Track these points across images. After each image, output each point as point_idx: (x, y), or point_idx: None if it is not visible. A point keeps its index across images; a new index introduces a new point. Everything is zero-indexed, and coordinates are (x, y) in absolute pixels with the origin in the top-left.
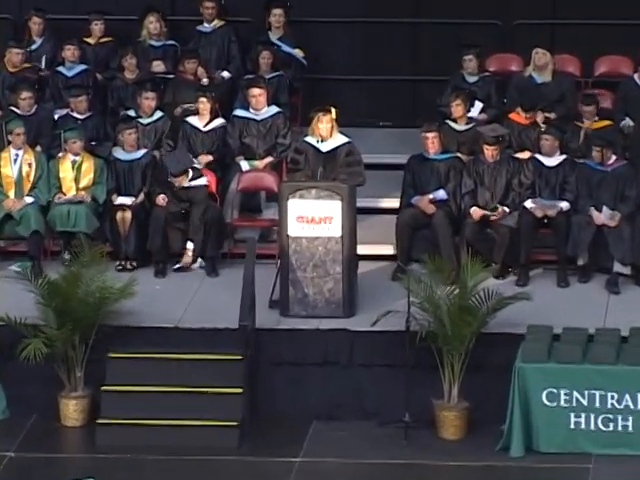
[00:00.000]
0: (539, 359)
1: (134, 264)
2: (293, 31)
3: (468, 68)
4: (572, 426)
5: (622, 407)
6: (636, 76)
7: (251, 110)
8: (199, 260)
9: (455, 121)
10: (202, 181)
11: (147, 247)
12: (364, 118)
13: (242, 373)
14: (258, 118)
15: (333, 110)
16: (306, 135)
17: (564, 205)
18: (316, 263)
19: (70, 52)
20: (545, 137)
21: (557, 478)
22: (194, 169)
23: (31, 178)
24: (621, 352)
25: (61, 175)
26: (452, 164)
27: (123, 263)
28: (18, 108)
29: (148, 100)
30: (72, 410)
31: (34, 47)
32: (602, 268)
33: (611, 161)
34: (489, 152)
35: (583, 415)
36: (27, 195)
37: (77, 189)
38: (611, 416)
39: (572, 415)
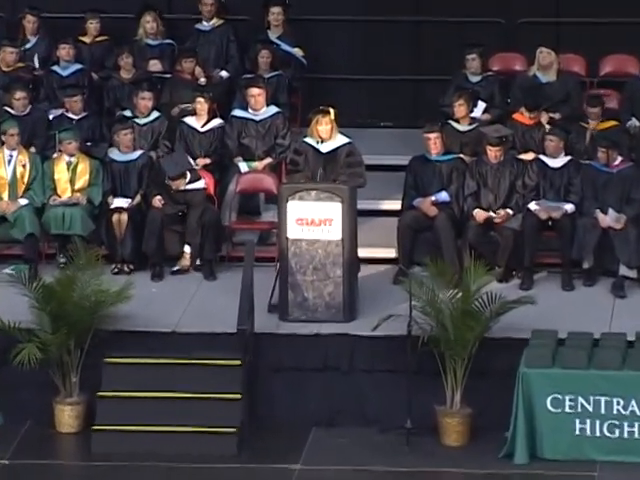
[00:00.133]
0: (543, 364)
1: (131, 267)
2: (292, 30)
3: (471, 67)
4: (577, 432)
5: (628, 413)
6: None
7: (250, 110)
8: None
9: (458, 121)
10: (200, 184)
11: (142, 249)
12: (365, 118)
13: (241, 379)
14: (257, 118)
15: (332, 111)
16: (306, 136)
17: (569, 207)
18: (316, 266)
19: (65, 51)
20: (549, 138)
21: None
22: (192, 172)
23: (25, 179)
24: (627, 357)
25: (56, 176)
26: (455, 165)
27: (119, 266)
28: (12, 108)
29: (144, 100)
30: (67, 416)
31: (28, 46)
32: (608, 271)
33: (617, 162)
34: (492, 153)
35: (588, 421)
36: (21, 197)
37: (72, 191)
38: (617, 422)
39: (577, 421)
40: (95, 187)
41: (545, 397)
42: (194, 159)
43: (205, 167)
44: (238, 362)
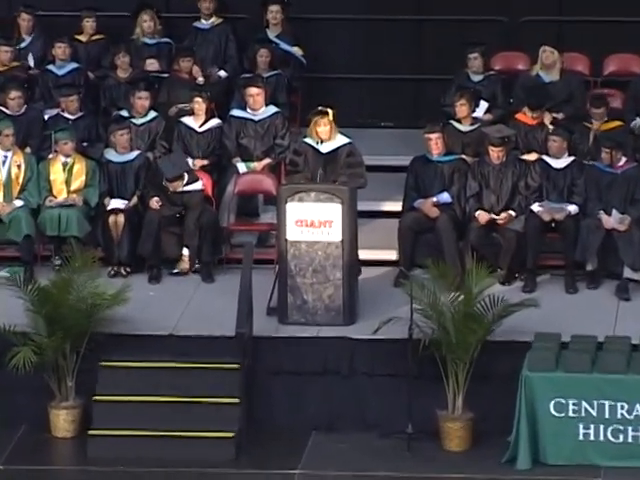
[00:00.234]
0: (547, 368)
1: (127, 269)
2: (292, 28)
3: (473, 67)
4: (581, 437)
5: (632, 418)
6: None
7: (248, 110)
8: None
9: (459, 121)
10: (198, 185)
11: (137, 251)
12: (365, 118)
13: (239, 382)
14: (256, 118)
15: (330, 112)
16: (305, 136)
17: (572, 208)
18: (315, 268)
19: (61, 50)
20: (553, 138)
21: None
22: (190, 173)
23: (20, 180)
24: (631, 361)
25: (51, 177)
26: (456, 166)
27: (116, 268)
28: (7, 108)
29: (141, 100)
30: (63, 421)
31: (23, 45)
32: (612, 274)
33: (621, 163)
34: (495, 154)
35: (592, 426)
36: (16, 198)
37: (68, 192)
38: (621, 427)
39: (581, 426)
40: (91, 188)
41: (548, 401)
42: (192, 159)
43: (203, 168)
44: (236, 366)
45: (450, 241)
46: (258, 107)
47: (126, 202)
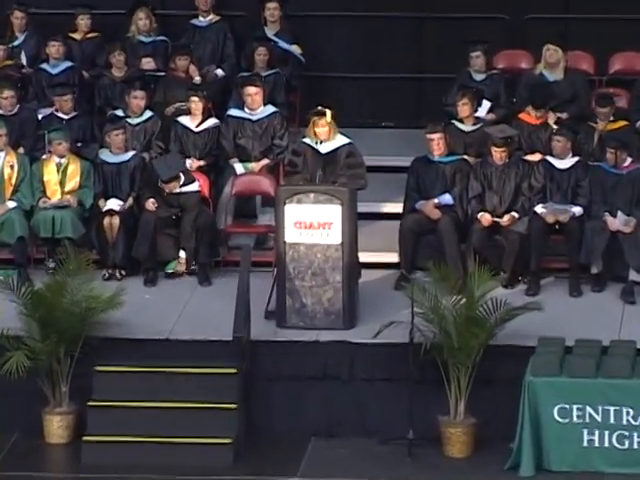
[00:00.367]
0: (550, 373)
1: (122, 272)
2: (290, 26)
3: (475, 65)
4: (585, 444)
5: (638, 423)
6: None
7: (246, 110)
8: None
9: (461, 121)
10: (194, 187)
11: (133, 254)
12: (365, 118)
13: (237, 388)
14: (253, 118)
15: (328, 113)
16: (304, 136)
17: (577, 210)
18: (315, 271)
19: (55, 48)
20: (557, 138)
21: None
22: (186, 174)
23: (13, 181)
24: (637, 365)
25: (45, 178)
26: (458, 167)
27: (111, 271)
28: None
29: (137, 99)
30: (57, 427)
31: (16, 43)
32: (617, 276)
33: (626, 163)
34: (497, 154)
35: (597, 432)
36: (9, 199)
37: (62, 193)
38: (626, 433)
39: (585, 432)
40: (86, 189)
41: (552, 407)
42: (188, 160)
43: (200, 169)
44: (234, 370)
45: (452, 243)
46: (256, 106)
47: (121, 203)
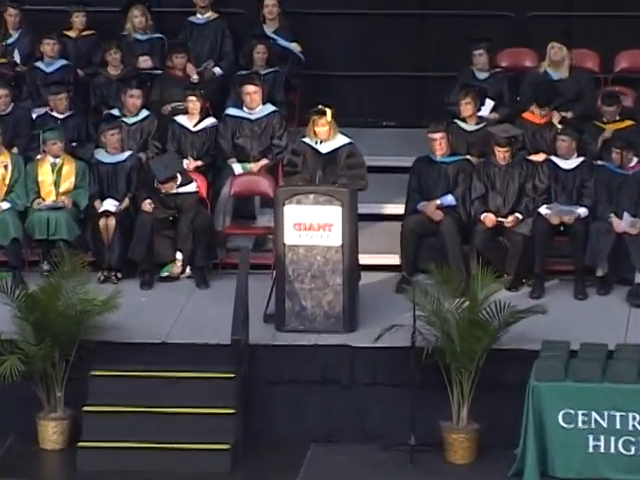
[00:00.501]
0: (555, 377)
1: (118, 275)
2: (289, 24)
3: (478, 64)
4: (591, 450)
5: None
6: None
7: (245, 109)
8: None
9: (464, 121)
10: (192, 187)
11: (129, 256)
12: (366, 117)
13: (235, 392)
14: (252, 117)
15: (329, 112)
16: (304, 135)
17: (582, 211)
18: (314, 274)
19: (49, 46)
20: (561, 138)
21: None
22: (183, 174)
23: (7, 182)
24: None
25: (40, 179)
26: (461, 167)
27: (106, 274)
28: None
29: (133, 98)
30: (51, 432)
31: (10, 41)
32: (623, 279)
33: (632, 164)
34: (501, 154)
35: (602, 438)
36: (3, 200)
37: (57, 194)
38: (632, 439)
39: (591, 438)
40: (81, 190)
41: (557, 412)
42: (186, 160)
43: (197, 169)
44: (232, 375)
45: (454, 245)
46: (255, 106)
47: (117, 204)
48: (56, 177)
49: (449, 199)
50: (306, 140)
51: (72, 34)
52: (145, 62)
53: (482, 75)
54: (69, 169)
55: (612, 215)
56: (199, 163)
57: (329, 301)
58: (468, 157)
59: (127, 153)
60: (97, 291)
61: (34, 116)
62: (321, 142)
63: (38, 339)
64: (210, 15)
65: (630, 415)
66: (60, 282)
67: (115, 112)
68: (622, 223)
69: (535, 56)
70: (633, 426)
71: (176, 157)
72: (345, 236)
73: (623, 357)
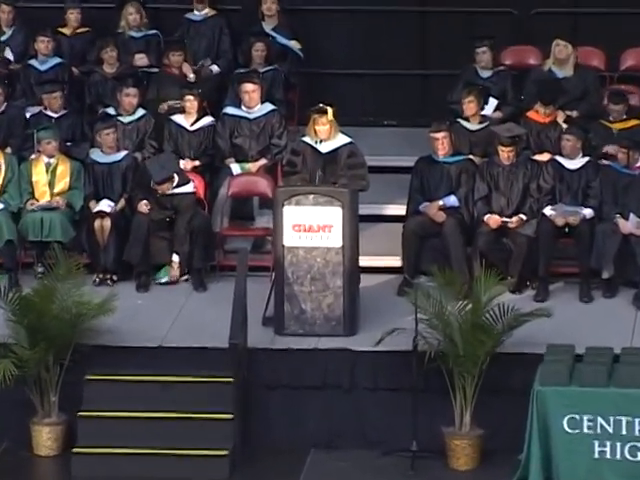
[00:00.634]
0: (560, 382)
1: (114, 277)
2: (288, 21)
3: (481, 62)
4: (596, 455)
5: None
6: None
7: (243, 108)
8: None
9: (467, 120)
10: (189, 188)
11: (124, 257)
12: (367, 116)
13: (233, 397)
14: (251, 116)
15: (329, 110)
16: (304, 135)
17: (587, 212)
18: (314, 276)
19: (43, 44)
20: (566, 137)
21: None
22: (180, 174)
23: (0, 182)
24: None
25: (34, 179)
26: (464, 167)
27: (102, 276)
28: None
29: (129, 97)
30: (45, 438)
31: (4, 38)
32: (629, 282)
33: (638, 164)
34: (504, 154)
35: (608, 443)
36: None
37: (51, 194)
38: (639, 445)
39: (596, 443)
40: (76, 190)
41: (561, 417)
42: (183, 160)
43: (194, 169)
44: (230, 379)
45: (457, 247)
46: (253, 104)
47: (113, 205)
48: (50, 177)
49: (452, 200)
50: (306, 139)
51: (66, 31)
52: (141, 60)
53: (485, 73)
54: (64, 169)
55: (618, 216)
56: (196, 163)
57: (329, 304)
58: (471, 157)
59: (123, 153)
60: (92, 294)
61: (28, 115)
62: (321, 141)
63: (32, 343)
64: (208, 12)
65: (636, 420)
66: (55, 285)
67: (111, 111)
68: (628, 224)
69: (539, 54)
70: (639, 431)
71: (173, 157)
72: (345, 237)
73: (629, 361)
